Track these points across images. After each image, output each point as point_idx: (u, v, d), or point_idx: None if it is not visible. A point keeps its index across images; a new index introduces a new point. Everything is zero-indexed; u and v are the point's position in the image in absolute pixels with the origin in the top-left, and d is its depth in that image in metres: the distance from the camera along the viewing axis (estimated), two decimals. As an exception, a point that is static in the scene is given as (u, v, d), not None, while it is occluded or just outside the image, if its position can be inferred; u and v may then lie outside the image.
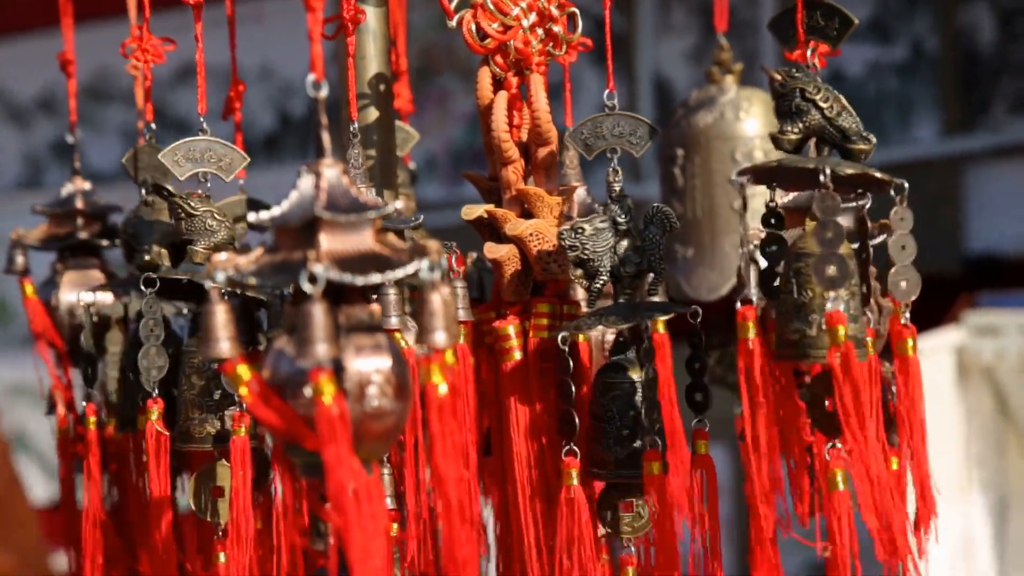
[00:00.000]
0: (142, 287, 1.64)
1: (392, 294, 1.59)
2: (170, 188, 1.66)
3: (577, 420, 1.55)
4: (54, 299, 1.99)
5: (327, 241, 1.17)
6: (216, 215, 1.64)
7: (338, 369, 1.16)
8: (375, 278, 1.16)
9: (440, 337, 1.18)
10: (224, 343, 1.16)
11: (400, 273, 1.17)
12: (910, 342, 1.50)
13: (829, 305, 1.43)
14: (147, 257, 1.74)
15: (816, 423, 1.50)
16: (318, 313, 1.14)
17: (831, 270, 1.41)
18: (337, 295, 1.17)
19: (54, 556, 2.15)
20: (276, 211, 1.17)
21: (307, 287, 1.13)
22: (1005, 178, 4.15)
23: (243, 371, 1.14)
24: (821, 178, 1.43)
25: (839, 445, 1.46)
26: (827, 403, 1.48)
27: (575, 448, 1.55)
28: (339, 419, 1.13)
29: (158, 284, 1.64)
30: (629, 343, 1.58)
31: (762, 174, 1.50)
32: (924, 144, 4.23)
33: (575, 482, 1.54)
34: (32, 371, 2.04)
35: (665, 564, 1.54)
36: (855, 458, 1.43)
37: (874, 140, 1.49)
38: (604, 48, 1.58)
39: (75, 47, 2.05)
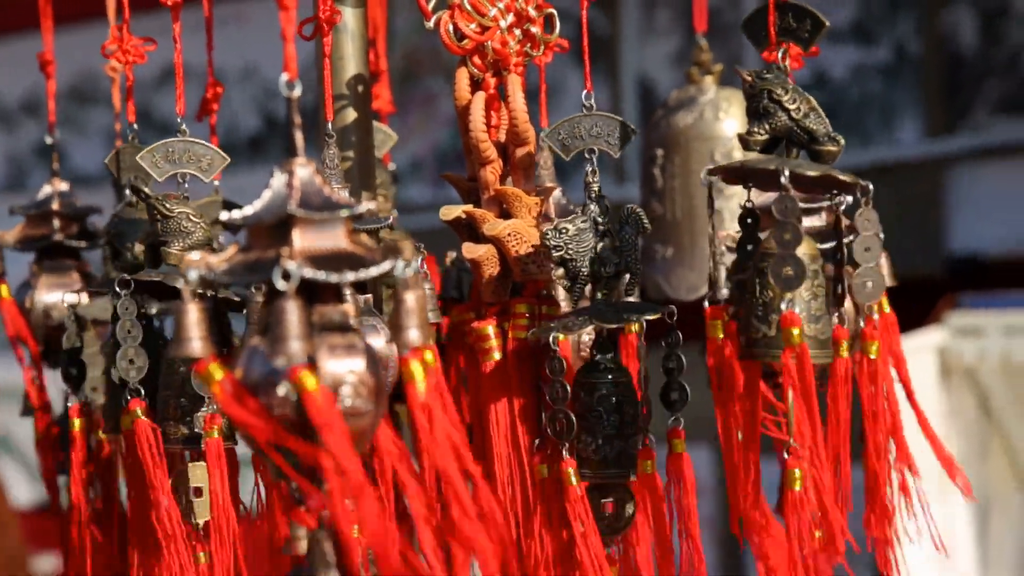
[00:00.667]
0: (117, 288, 1.63)
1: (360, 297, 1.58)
2: (146, 189, 1.66)
3: (575, 419, 1.55)
4: (29, 300, 1.99)
5: (300, 239, 1.17)
6: (192, 216, 1.63)
7: (312, 368, 1.15)
8: (349, 276, 1.16)
9: (414, 335, 1.18)
10: (196, 342, 1.15)
11: (374, 272, 1.16)
12: (874, 346, 1.50)
13: (783, 306, 1.44)
14: (130, 257, 1.74)
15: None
16: (292, 310, 1.14)
17: (787, 271, 1.42)
18: (310, 294, 1.17)
19: (35, 559, 2.15)
20: (248, 210, 1.17)
21: (280, 284, 1.13)
22: (988, 180, 4.16)
23: (215, 370, 1.14)
24: (781, 179, 1.44)
25: (795, 444, 1.47)
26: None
27: (567, 448, 1.54)
28: (329, 407, 1.12)
29: (132, 285, 1.64)
30: (610, 342, 1.58)
31: (732, 174, 1.50)
32: (907, 146, 4.23)
33: (574, 482, 1.54)
34: (13, 372, 2.03)
35: (664, 560, 1.55)
36: (804, 460, 1.44)
37: (842, 142, 1.50)
38: (589, 51, 1.58)
39: (58, 49, 2.05)
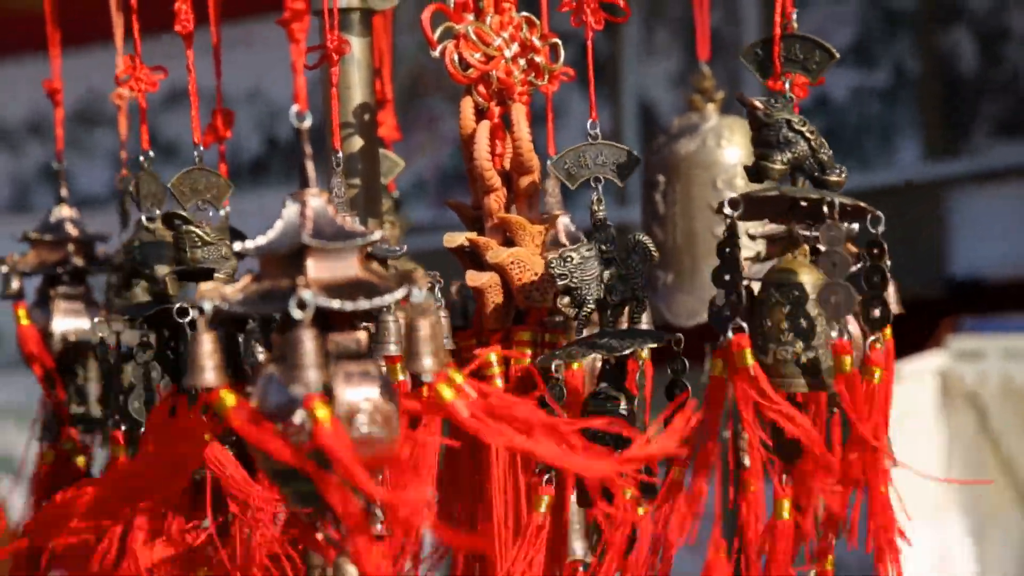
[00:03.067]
0: (177, 318, 1.63)
1: (391, 322, 1.59)
2: (186, 215, 1.67)
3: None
4: (50, 326, 2.00)
5: (315, 268, 1.18)
6: (227, 243, 1.65)
7: (328, 397, 1.17)
8: (363, 304, 1.17)
9: (428, 363, 1.19)
10: (209, 372, 1.17)
11: (388, 299, 1.18)
12: (847, 360, 1.49)
13: (833, 334, 1.44)
14: (158, 284, 1.74)
15: (777, 450, 1.51)
16: (308, 339, 1.15)
17: (835, 299, 1.43)
18: (324, 323, 1.18)
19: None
20: (262, 240, 1.19)
21: (296, 313, 1.14)
22: (987, 202, 4.17)
23: (227, 397, 1.15)
24: (825, 209, 1.44)
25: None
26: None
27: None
28: (342, 437, 1.14)
29: (189, 315, 1.63)
30: (617, 370, 1.59)
31: (752, 204, 1.49)
32: (906, 168, 4.24)
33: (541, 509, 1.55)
34: (19, 394, 2.04)
35: None
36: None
37: (845, 172, 1.51)
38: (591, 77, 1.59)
39: (64, 72, 2.07)
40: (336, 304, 1.15)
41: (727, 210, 1.46)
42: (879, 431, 1.47)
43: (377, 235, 1.22)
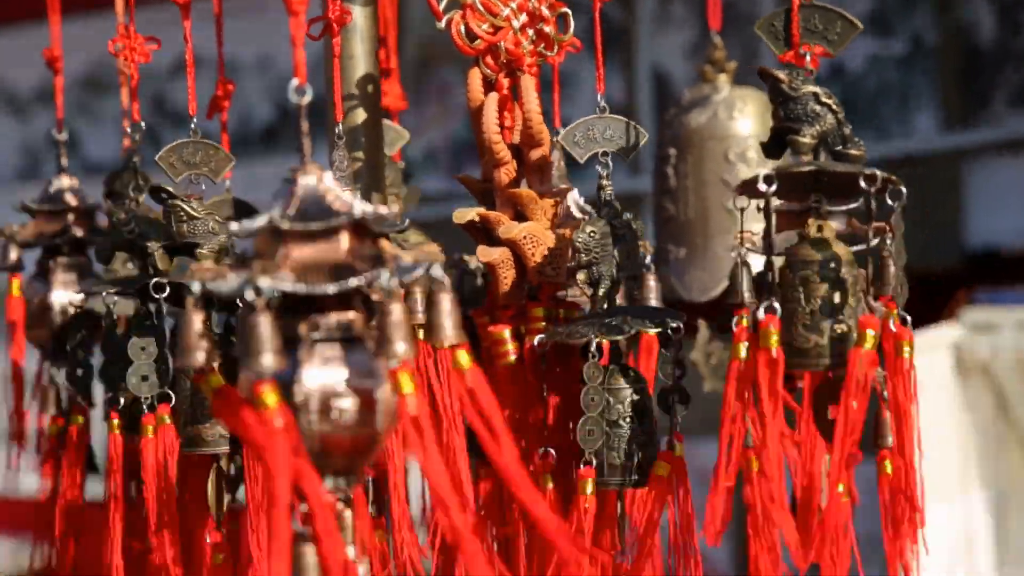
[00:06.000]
0: (154, 294, 1.62)
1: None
2: (171, 189, 1.64)
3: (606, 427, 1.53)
4: (48, 297, 1.98)
5: (292, 250, 1.16)
6: (217, 217, 1.62)
7: (296, 380, 1.14)
8: (329, 289, 1.14)
9: (401, 348, 1.16)
10: (199, 352, 1.15)
11: (355, 283, 1.15)
12: (871, 335, 1.47)
13: (845, 310, 1.43)
14: (155, 260, 1.72)
15: (822, 432, 1.49)
16: (263, 324, 1.12)
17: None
18: (308, 305, 1.16)
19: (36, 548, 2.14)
20: (247, 223, 1.17)
21: (250, 296, 1.12)
22: (1005, 172, 4.15)
23: (214, 380, 1.13)
24: (862, 183, 1.43)
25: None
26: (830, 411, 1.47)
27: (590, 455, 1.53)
28: (282, 431, 1.11)
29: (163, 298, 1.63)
30: (625, 347, 1.57)
31: (784, 180, 1.46)
32: (924, 138, 4.22)
33: (588, 492, 1.53)
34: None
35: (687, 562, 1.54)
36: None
37: (864, 146, 1.48)
38: (604, 42, 1.57)
39: (72, 38, 2.05)
40: (301, 288, 1.13)
41: (762, 186, 1.43)
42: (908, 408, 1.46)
43: (358, 213, 1.17)
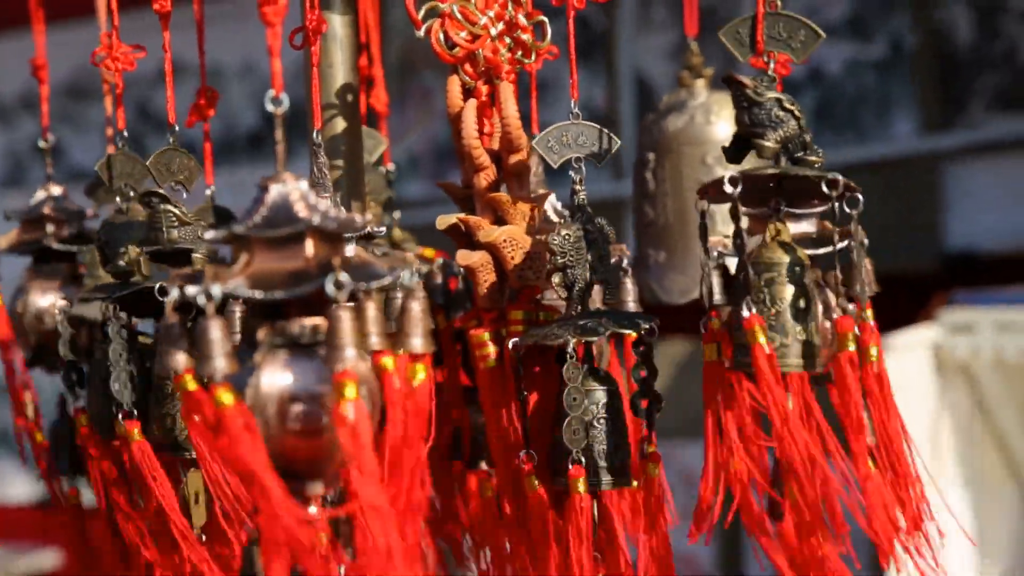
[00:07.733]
0: (110, 313, 1.63)
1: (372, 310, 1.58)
2: (164, 194, 1.66)
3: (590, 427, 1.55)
4: (20, 304, 2.00)
5: (254, 256, 1.19)
6: (203, 223, 1.64)
7: (254, 384, 1.17)
8: (278, 295, 1.17)
9: (348, 354, 1.18)
10: (220, 360, 1.17)
11: (306, 288, 1.17)
12: (849, 337, 1.49)
13: (835, 313, 1.46)
14: (123, 264, 1.73)
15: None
16: (214, 329, 1.16)
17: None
18: (274, 309, 1.18)
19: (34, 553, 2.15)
20: (217, 230, 1.19)
21: (201, 301, 1.15)
22: (983, 175, 4.17)
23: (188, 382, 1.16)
24: (824, 188, 1.45)
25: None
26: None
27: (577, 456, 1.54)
28: (245, 428, 1.13)
29: (121, 308, 1.63)
30: (598, 351, 1.59)
31: (748, 183, 1.49)
32: (902, 141, 4.23)
33: (581, 491, 1.54)
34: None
35: (662, 561, 1.56)
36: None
37: (821, 153, 1.51)
38: (586, 46, 1.58)
39: (56, 45, 2.06)
40: (255, 294, 1.16)
41: (727, 188, 1.46)
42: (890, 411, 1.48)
43: (319, 219, 1.19)
